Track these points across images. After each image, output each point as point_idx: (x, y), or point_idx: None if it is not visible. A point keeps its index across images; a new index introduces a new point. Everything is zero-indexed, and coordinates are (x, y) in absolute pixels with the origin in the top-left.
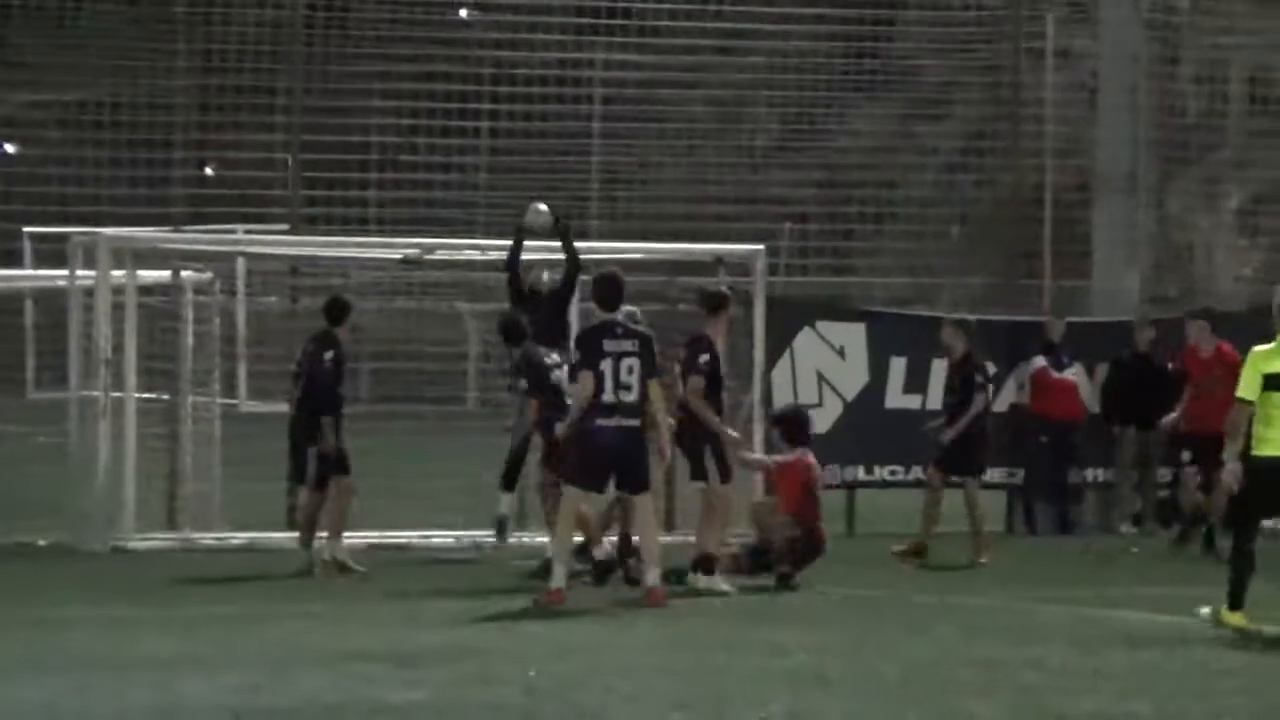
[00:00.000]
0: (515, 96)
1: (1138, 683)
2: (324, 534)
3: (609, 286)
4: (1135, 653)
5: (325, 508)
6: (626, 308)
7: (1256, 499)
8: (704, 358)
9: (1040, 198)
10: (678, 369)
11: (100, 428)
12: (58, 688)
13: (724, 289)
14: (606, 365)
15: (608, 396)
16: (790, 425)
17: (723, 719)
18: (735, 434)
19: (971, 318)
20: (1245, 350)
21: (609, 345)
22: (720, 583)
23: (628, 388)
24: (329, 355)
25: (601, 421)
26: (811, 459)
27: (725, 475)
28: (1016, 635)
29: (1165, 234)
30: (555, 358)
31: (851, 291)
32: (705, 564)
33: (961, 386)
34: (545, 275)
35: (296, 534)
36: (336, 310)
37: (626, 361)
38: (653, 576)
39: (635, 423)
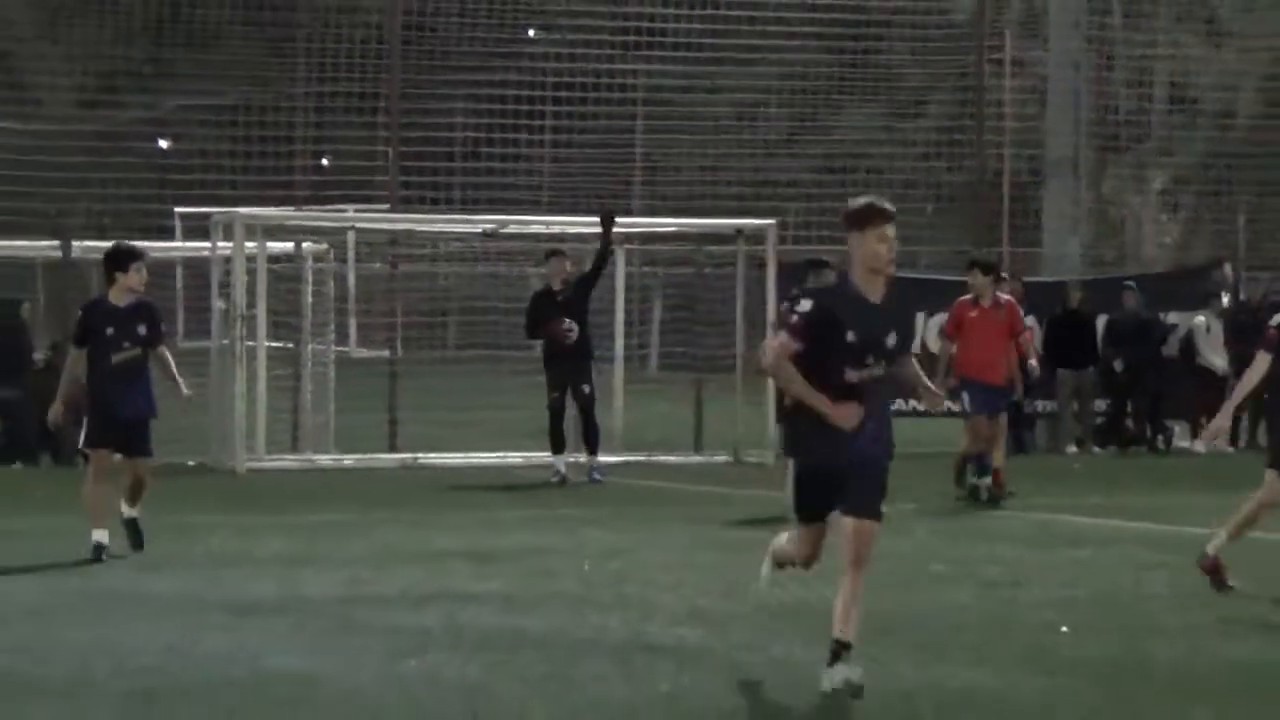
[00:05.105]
0: (572, 99)
1: (1077, 574)
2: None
3: None
4: (1076, 550)
5: None
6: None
7: None
8: None
9: (1000, 180)
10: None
11: (237, 370)
12: (200, 580)
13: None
14: None
15: None
16: None
17: (743, 603)
18: None
19: None
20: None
21: None
22: None
23: None
24: None
25: None
26: None
27: None
28: (981, 537)
29: (1102, 210)
30: None
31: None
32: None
33: None
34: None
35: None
36: None
37: None
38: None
39: None
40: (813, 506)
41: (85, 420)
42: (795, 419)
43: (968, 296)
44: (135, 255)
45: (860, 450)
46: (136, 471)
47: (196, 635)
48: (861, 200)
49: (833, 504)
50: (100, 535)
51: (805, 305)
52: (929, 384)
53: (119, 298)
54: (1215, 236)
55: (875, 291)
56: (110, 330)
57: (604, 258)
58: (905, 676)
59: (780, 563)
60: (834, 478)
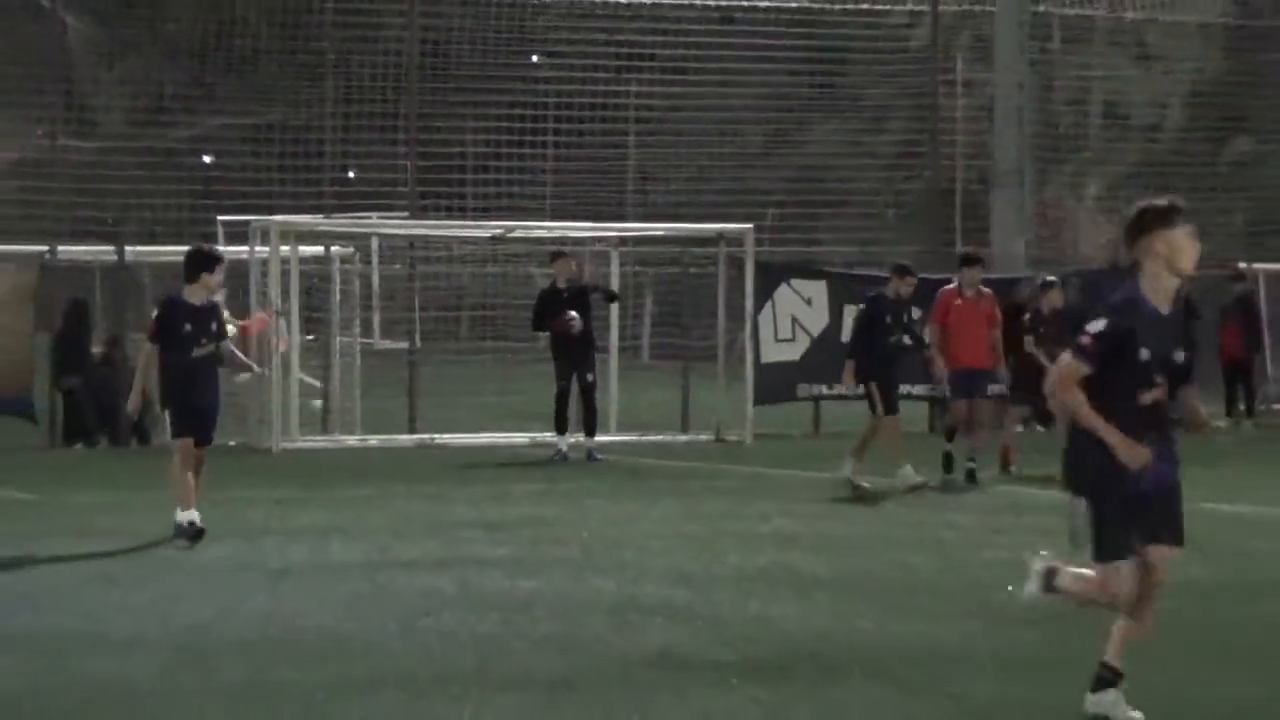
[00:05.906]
0: (572, 117)
1: (1024, 539)
2: None
3: None
4: (1022, 518)
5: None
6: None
7: None
8: None
9: (953, 189)
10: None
11: (274, 360)
12: (241, 549)
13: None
14: None
15: None
16: None
17: (724, 566)
18: None
19: None
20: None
21: None
22: None
23: None
24: None
25: None
26: None
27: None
28: (939, 505)
29: (1043, 214)
30: None
31: (817, 257)
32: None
33: None
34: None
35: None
36: None
37: None
38: None
39: None
40: (1127, 541)
41: (168, 413)
42: (1087, 454)
43: (951, 286)
44: (219, 259)
45: (1157, 475)
46: (199, 458)
47: (239, 597)
48: (1160, 199)
49: (1141, 534)
50: (192, 515)
51: (1099, 324)
52: (1200, 411)
53: (195, 296)
54: None
55: (1167, 301)
56: (188, 327)
57: (610, 299)
58: (868, 631)
59: (1067, 593)
60: (1142, 506)
